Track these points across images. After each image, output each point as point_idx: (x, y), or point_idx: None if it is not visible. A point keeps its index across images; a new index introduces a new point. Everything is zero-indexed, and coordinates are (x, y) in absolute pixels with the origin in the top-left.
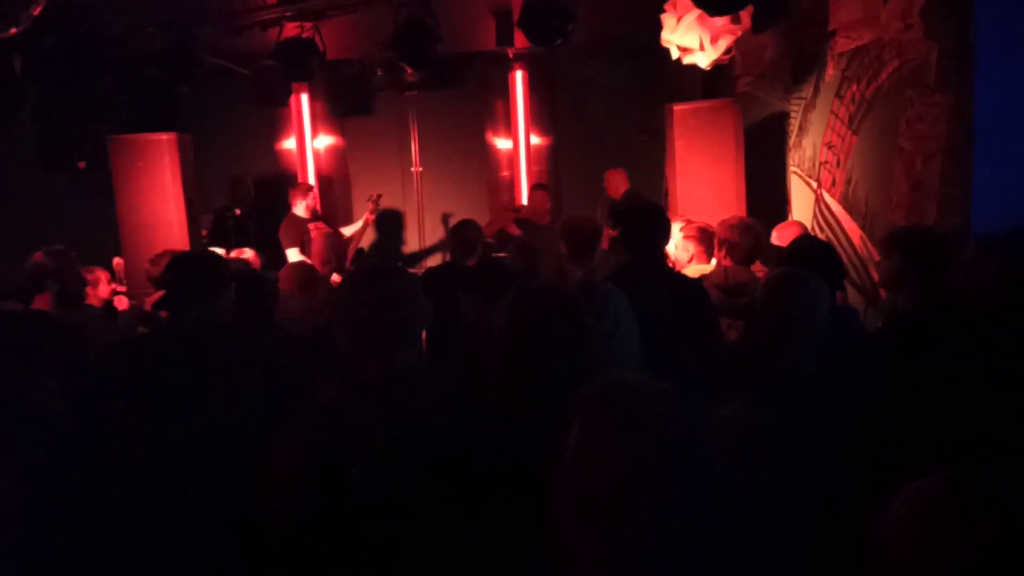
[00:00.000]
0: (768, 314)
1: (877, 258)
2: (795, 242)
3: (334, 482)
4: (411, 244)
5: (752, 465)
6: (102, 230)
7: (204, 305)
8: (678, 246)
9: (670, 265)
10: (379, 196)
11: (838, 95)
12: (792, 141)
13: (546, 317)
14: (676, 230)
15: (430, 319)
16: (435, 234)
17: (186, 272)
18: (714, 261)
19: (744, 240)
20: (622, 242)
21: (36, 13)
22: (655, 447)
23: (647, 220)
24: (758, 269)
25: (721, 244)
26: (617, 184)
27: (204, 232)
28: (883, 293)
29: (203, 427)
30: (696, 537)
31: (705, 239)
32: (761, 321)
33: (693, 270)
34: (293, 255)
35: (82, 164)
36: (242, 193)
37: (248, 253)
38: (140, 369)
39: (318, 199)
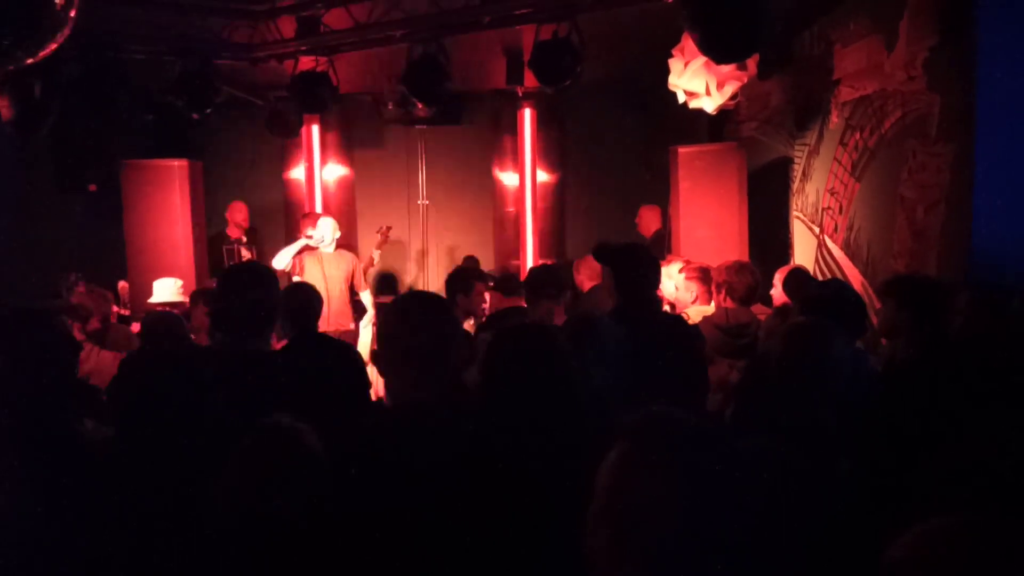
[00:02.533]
0: (788, 365)
1: (878, 305)
2: (825, 286)
3: (269, 499)
4: (415, 277)
5: (778, 498)
6: (110, 252)
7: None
8: (680, 287)
9: (668, 306)
10: (389, 228)
11: (841, 143)
12: (795, 186)
13: (519, 355)
14: (675, 271)
15: (464, 353)
16: (440, 267)
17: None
18: (713, 304)
19: (741, 281)
20: (612, 283)
21: (59, 42)
22: (699, 479)
23: (638, 262)
24: (759, 311)
25: (720, 287)
26: (649, 222)
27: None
28: (883, 340)
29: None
30: (734, 566)
31: (707, 279)
32: (780, 371)
33: (695, 311)
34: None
35: (93, 187)
36: (239, 219)
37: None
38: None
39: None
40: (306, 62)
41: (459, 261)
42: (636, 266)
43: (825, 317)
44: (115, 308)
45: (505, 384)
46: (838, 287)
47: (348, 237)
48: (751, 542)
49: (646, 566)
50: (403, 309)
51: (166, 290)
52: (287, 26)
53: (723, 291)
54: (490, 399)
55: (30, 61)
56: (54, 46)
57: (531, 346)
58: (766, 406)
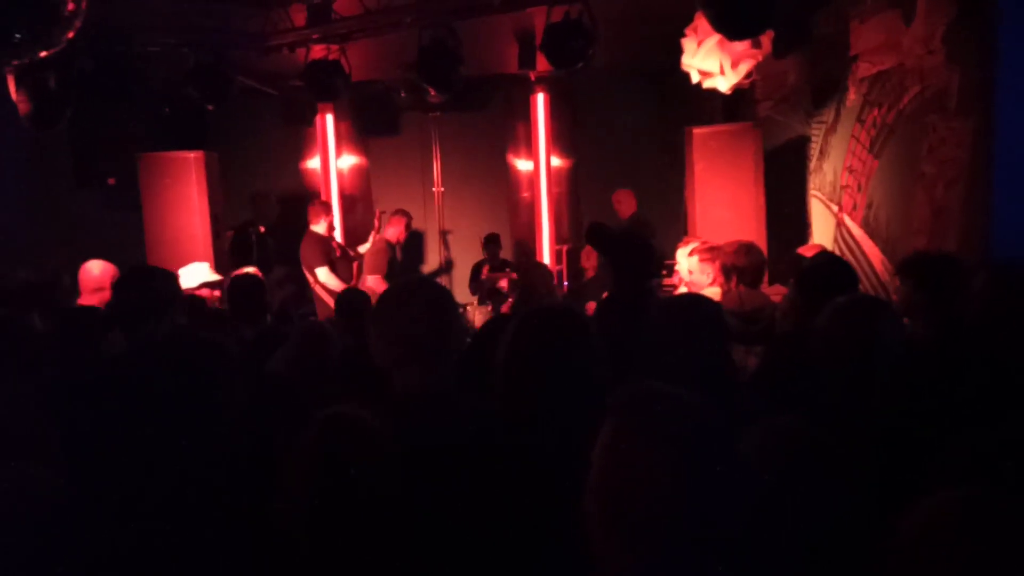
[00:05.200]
0: (840, 347)
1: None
2: (815, 258)
3: (342, 488)
4: (431, 263)
5: (795, 478)
6: (130, 245)
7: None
8: (694, 270)
9: (685, 289)
10: (382, 213)
11: (859, 120)
12: (813, 165)
13: (550, 337)
14: (684, 255)
15: (464, 341)
16: (456, 254)
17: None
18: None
19: (750, 262)
20: (610, 269)
21: (71, 36)
22: (685, 452)
23: (634, 253)
24: (775, 293)
25: (729, 271)
26: (626, 205)
27: (227, 248)
28: (905, 320)
29: (201, 433)
30: (721, 543)
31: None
32: (826, 350)
33: (712, 294)
34: (323, 274)
35: (112, 180)
36: (266, 209)
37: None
38: (137, 376)
39: (336, 217)
40: (318, 50)
41: (476, 247)
42: (632, 253)
43: (819, 287)
44: None
45: (527, 365)
46: (826, 258)
47: (365, 225)
48: (744, 518)
49: (634, 540)
50: (400, 298)
51: (197, 273)
52: (299, 15)
53: (733, 276)
54: (510, 380)
55: (44, 54)
56: (67, 38)
57: (557, 329)
58: (789, 386)
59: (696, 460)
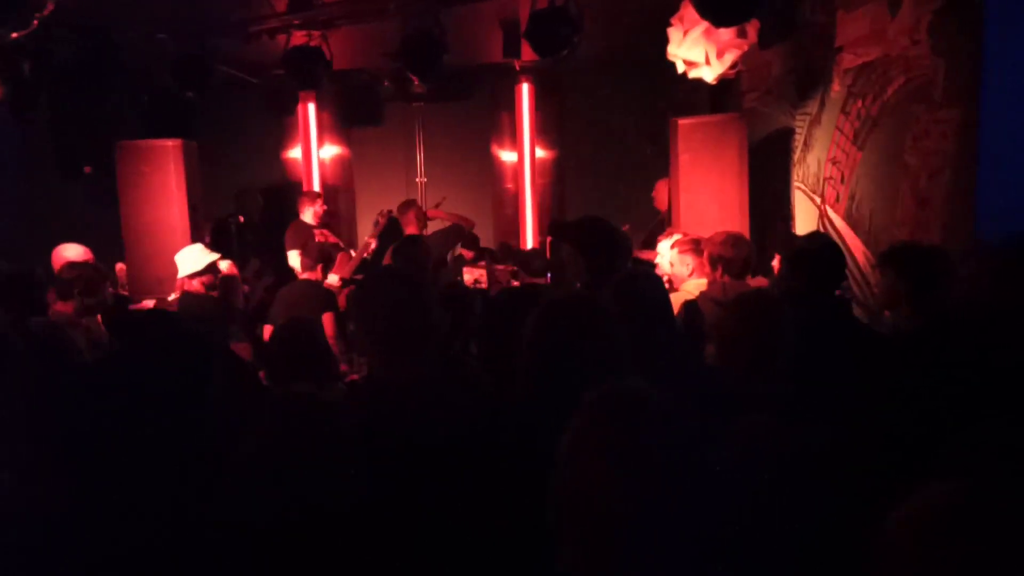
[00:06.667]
0: (737, 338)
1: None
2: (809, 240)
3: (308, 476)
4: None
5: (763, 477)
6: (107, 235)
7: None
8: (675, 262)
9: (668, 283)
10: (389, 212)
11: (843, 111)
12: (797, 156)
13: (574, 327)
14: (667, 247)
15: (444, 329)
16: None
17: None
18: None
19: (737, 254)
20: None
21: (46, 13)
22: (640, 454)
23: (604, 235)
24: (756, 285)
25: (716, 262)
26: (666, 195)
27: (207, 240)
28: (887, 313)
29: (192, 428)
30: (677, 544)
31: (700, 251)
32: (731, 345)
33: (694, 285)
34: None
35: (88, 169)
36: (251, 205)
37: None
38: (128, 373)
39: (324, 207)
40: (299, 37)
41: None
42: (603, 240)
43: (806, 266)
44: (111, 290)
45: (553, 356)
46: (821, 241)
47: (347, 216)
48: (714, 523)
49: (594, 544)
50: (375, 289)
51: (193, 258)
52: (280, 1)
53: (719, 266)
54: (534, 371)
55: (15, 36)
56: (40, 18)
57: (586, 318)
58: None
59: (663, 466)
